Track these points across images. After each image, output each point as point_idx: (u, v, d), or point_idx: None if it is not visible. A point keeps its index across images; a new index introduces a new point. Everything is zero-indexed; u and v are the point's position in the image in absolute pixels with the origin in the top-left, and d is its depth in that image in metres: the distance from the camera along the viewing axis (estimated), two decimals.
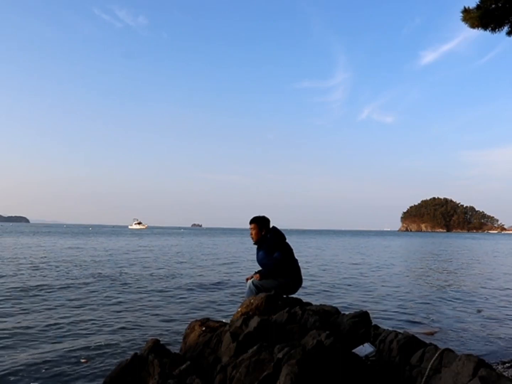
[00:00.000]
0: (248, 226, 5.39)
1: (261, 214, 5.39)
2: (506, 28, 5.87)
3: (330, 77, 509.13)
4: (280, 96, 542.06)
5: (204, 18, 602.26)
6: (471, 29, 5.86)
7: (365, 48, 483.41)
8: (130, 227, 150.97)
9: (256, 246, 5.41)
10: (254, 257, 5.48)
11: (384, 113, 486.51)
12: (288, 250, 5.29)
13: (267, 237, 5.26)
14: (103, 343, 5.89)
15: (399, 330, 3.64)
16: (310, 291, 10.84)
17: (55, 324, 6.97)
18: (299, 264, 5.32)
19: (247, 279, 5.35)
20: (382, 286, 12.78)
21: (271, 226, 5.37)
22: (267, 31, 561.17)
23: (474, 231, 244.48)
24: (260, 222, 5.32)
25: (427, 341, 3.36)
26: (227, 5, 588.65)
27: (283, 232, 5.38)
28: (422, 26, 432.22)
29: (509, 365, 5.11)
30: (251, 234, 5.35)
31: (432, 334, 6.90)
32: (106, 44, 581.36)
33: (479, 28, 5.82)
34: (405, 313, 8.59)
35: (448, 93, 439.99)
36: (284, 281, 5.09)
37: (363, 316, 3.95)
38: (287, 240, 5.39)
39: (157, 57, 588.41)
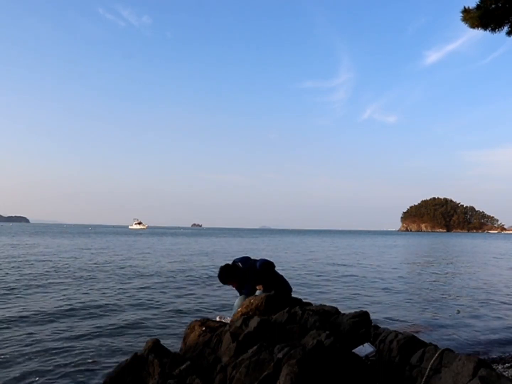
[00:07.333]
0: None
1: (222, 264, 4.98)
2: (506, 28, 5.87)
3: (333, 77, 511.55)
4: (283, 96, 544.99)
5: (207, 18, 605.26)
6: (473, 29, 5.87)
7: (368, 48, 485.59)
8: (130, 227, 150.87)
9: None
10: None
11: (386, 113, 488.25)
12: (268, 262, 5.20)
13: (245, 273, 4.94)
14: (102, 343, 5.89)
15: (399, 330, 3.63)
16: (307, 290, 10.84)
17: (52, 324, 6.96)
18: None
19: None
20: (380, 284, 12.77)
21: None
22: (270, 31, 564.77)
23: (474, 231, 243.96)
24: (231, 278, 4.95)
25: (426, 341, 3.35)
26: (230, 6, 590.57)
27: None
28: (426, 26, 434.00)
29: (509, 365, 5.11)
30: (234, 288, 5.11)
31: (419, 330, 6.91)
32: (108, 44, 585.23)
33: (479, 28, 5.82)
34: (400, 312, 8.58)
35: (450, 93, 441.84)
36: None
37: (363, 316, 3.94)
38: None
39: (160, 57, 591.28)
